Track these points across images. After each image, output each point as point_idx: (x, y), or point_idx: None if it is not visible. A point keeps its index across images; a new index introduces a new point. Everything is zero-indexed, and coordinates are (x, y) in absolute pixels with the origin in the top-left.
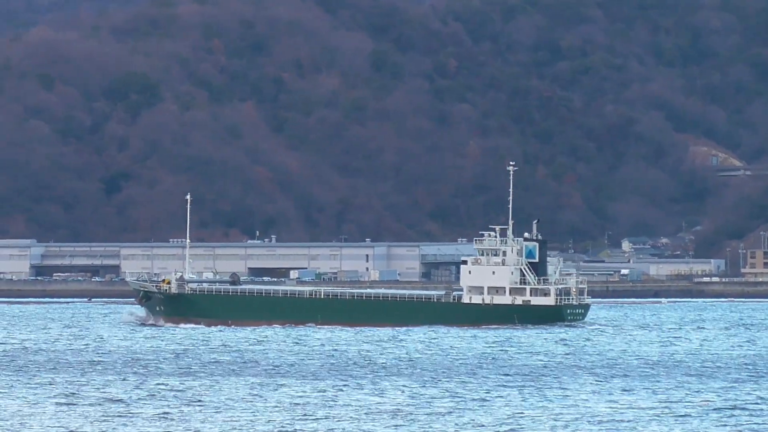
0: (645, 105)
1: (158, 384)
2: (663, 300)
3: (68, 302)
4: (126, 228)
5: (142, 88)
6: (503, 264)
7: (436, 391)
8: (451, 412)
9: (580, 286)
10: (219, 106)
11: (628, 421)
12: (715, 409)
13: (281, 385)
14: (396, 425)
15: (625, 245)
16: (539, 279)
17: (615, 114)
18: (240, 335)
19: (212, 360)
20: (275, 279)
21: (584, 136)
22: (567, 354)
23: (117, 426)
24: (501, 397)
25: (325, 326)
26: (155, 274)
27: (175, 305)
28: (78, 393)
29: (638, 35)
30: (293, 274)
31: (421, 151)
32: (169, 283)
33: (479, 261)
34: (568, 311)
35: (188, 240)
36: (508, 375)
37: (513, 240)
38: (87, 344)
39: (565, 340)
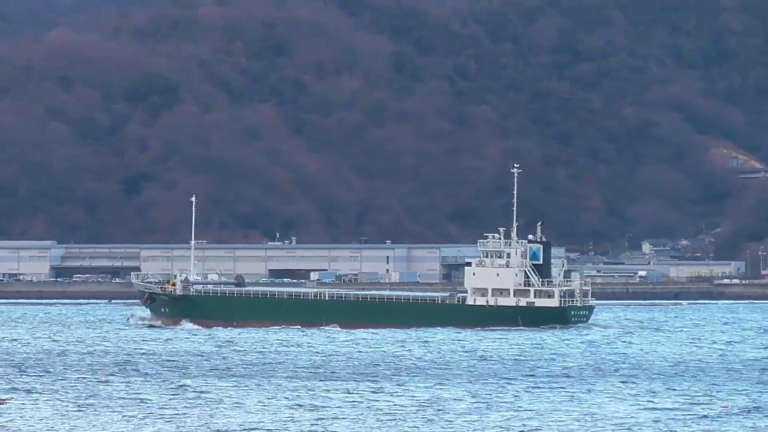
0: (665, 107)
1: (189, 386)
2: (683, 302)
3: (88, 303)
4: (146, 229)
5: (162, 89)
6: (507, 266)
7: (459, 392)
8: (469, 413)
9: (584, 287)
10: (239, 107)
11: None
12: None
13: (302, 386)
14: (418, 427)
15: (645, 247)
16: (543, 281)
17: (635, 116)
18: (256, 336)
19: (236, 363)
20: (295, 281)
21: (604, 138)
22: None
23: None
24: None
25: (329, 327)
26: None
27: (180, 307)
28: (98, 394)
29: (658, 37)
30: (313, 276)
31: (440, 153)
32: (174, 284)
33: (483, 263)
34: (572, 313)
35: (193, 241)
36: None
37: (517, 242)
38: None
39: (594, 341)
